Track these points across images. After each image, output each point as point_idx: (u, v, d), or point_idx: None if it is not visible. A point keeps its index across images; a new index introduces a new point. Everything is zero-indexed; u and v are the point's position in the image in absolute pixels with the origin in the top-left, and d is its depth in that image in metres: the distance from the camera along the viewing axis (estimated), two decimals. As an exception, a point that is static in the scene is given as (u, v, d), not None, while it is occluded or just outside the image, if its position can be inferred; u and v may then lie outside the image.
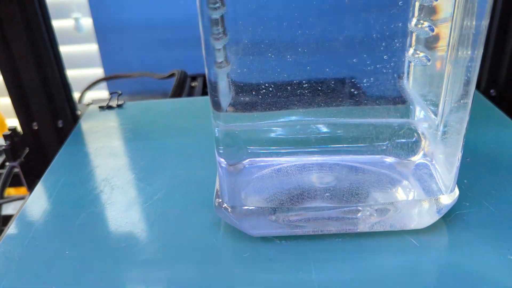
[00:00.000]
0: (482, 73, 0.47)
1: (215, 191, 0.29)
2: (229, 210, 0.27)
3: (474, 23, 0.26)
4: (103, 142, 0.41)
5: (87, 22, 0.75)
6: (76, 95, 0.71)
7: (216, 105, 0.27)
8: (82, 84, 0.71)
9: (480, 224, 0.28)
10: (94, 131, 0.44)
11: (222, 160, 0.29)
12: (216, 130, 0.28)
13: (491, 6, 0.24)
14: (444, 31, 0.29)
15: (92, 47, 0.78)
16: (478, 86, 0.48)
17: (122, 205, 0.32)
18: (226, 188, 0.28)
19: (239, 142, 0.32)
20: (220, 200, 0.28)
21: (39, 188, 0.35)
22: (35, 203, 0.33)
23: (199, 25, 0.25)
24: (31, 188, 0.46)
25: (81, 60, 0.80)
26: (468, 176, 0.32)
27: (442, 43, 0.29)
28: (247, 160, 0.33)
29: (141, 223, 0.30)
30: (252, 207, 0.27)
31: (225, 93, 0.31)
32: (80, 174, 0.37)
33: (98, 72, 0.81)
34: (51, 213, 0.32)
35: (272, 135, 0.34)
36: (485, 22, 0.25)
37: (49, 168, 0.38)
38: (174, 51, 0.77)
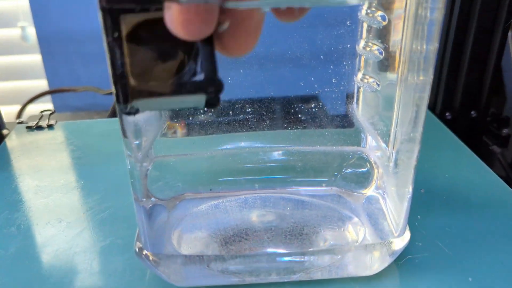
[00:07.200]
0: (437, 96, 0.46)
1: (136, 233, 0.25)
2: (151, 259, 0.23)
3: (424, 47, 0.23)
4: (23, 170, 0.37)
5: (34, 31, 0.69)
6: (17, 109, 0.65)
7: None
8: (27, 97, 0.66)
9: (432, 268, 0.25)
10: (16, 156, 0.39)
11: (144, 197, 0.25)
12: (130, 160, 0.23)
13: (439, 29, 0.22)
14: (393, 55, 0.26)
15: (38, 58, 0.72)
16: (433, 109, 0.46)
17: (32, 250, 0.28)
18: (145, 231, 0.24)
19: (169, 175, 0.28)
20: (141, 245, 0.24)
21: None
22: None
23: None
24: None
25: (27, 71, 0.74)
26: (421, 211, 0.30)
27: (392, 68, 0.27)
28: (180, 195, 0.29)
29: (54, 272, 0.26)
30: (179, 256, 0.24)
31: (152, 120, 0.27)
32: (-9, 208, 0.32)
33: (43, 83, 0.75)
34: None
35: (211, 164, 0.31)
36: (433, 47, 0.22)
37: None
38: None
